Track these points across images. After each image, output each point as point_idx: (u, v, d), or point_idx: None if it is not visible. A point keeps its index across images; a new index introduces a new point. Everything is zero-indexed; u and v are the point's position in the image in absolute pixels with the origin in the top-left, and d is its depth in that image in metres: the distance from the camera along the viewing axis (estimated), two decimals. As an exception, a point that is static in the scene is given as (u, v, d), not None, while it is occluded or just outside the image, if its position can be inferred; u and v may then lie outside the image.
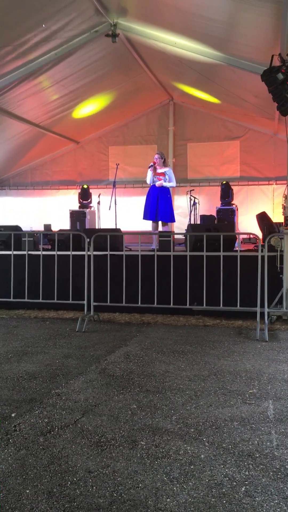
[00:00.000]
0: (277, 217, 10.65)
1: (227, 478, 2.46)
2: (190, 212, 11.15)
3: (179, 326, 6.45)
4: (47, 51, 8.17)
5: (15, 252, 7.28)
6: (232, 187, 11.77)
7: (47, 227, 11.66)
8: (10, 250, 7.27)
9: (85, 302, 6.55)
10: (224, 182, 11.58)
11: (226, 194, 11.59)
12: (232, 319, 6.72)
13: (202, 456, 2.70)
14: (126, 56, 9.39)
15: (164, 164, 9.16)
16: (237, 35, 7.12)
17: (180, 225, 11.36)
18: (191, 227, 8.14)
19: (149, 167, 8.97)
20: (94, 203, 12.42)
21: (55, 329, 6.26)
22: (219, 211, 11.43)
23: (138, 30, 8.17)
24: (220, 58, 7.84)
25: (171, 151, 12.68)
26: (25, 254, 7.19)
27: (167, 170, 9.08)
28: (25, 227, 9.79)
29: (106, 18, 7.88)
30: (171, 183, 9.01)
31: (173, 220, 9.27)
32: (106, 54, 9.00)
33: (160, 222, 9.07)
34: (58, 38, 7.87)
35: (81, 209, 12.43)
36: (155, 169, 8.95)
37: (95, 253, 6.68)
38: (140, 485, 2.39)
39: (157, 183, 8.83)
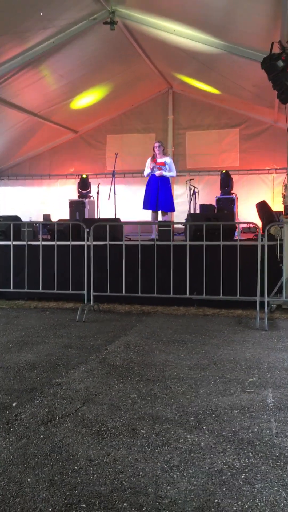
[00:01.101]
0: (277, 206, 10.62)
1: (227, 466, 2.47)
2: (190, 201, 11.12)
3: (179, 315, 6.47)
4: (45, 39, 8.09)
5: (14, 243, 7.27)
6: (232, 176, 11.72)
7: (47, 217, 11.65)
8: (10, 241, 7.26)
9: (85, 292, 6.55)
10: (223, 172, 11.53)
11: (226, 183, 11.55)
12: (231, 308, 6.73)
13: (202, 444, 2.72)
14: (124, 44, 9.30)
15: (164, 153, 9.12)
16: (236, 22, 7.05)
17: (179, 214, 11.32)
18: (191, 217, 8.12)
19: (152, 159, 8.89)
20: (93, 193, 12.38)
21: (55, 319, 6.27)
22: (218, 200, 11.40)
23: (136, 18, 8.10)
24: (220, 45, 7.79)
25: (170, 140, 12.61)
26: (24, 245, 7.18)
27: (167, 159, 9.04)
28: (25, 217, 9.77)
29: (104, 5, 7.79)
30: (171, 173, 8.98)
31: (173, 209, 9.26)
32: (105, 42, 8.91)
33: (160, 212, 9.05)
34: (55, 26, 7.78)
35: (80, 199, 12.39)
36: (155, 157, 8.91)
37: (94, 243, 6.67)
38: (141, 473, 2.41)
39: (157, 173, 8.79)
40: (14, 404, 3.32)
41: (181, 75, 10.69)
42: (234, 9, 6.63)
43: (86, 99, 11.42)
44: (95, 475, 2.39)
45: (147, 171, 8.92)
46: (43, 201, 13.55)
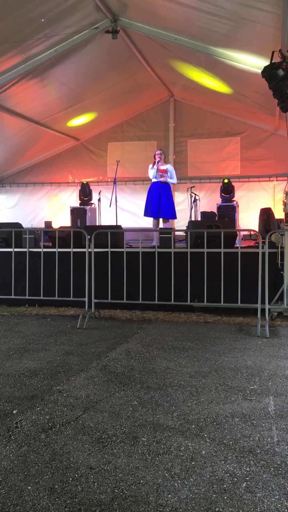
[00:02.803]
0: (277, 213, 10.64)
1: (228, 474, 2.46)
2: (191, 209, 11.15)
3: (180, 322, 6.46)
4: (47, 48, 8.15)
5: (16, 250, 7.29)
6: (233, 183, 11.74)
7: (48, 224, 11.67)
8: (11, 248, 7.27)
9: (86, 299, 6.55)
10: (226, 181, 11.51)
11: (227, 190, 11.58)
12: (233, 315, 6.73)
13: (203, 452, 2.71)
14: (126, 53, 9.36)
15: (165, 161, 9.16)
16: (237, 31, 7.10)
17: (180, 222, 11.34)
18: (192, 224, 8.13)
19: (154, 164, 8.92)
20: (94, 200, 12.41)
21: (56, 326, 6.27)
22: (219, 207, 11.42)
23: (138, 27, 8.15)
24: (221, 54, 7.83)
25: (171, 148, 12.66)
26: (26, 252, 7.19)
27: (169, 166, 9.08)
28: (26, 224, 9.79)
29: (106, 15, 7.85)
30: (172, 180, 9.02)
31: (175, 217, 9.26)
32: (107, 51, 8.97)
33: (161, 219, 9.07)
34: (57, 35, 7.84)
35: (81, 206, 12.41)
36: (158, 165, 8.94)
37: (95, 250, 6.68)
38: (142, 481, 2.40)
39: (161, 179, 8.82)
40: (14, 412, 3.31)
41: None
42: (235, 18, 6.68)
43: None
44: (95, 483, 2.38)
45: (151, 173, 8.93)
46: (45, 208, 13.58)
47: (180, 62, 9.31)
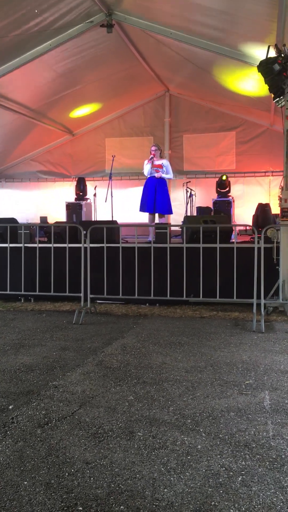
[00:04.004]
0: (273, 208, 10.65)
1: (223, 468, 2.47)
2: (187, 204, 11.14)
3: (176, 317, 6.47)
4: (42, 42, 8.09)
5: (11, 245, 7.26)
6: (229, 178, 11.74)
7: (43, 219, 11.64)
8: (6, 243, 7.25)
9: (81, 294, 6.54)
10: (224, 179, 11.46)
11: (223, 185, 11.58)
12: (228, 310, 6.75)
13: (199, 446, 2.72)
14: (121, 47, 9.31)
15: (161, 156, 9.14)
16: (233, 25, 7.08)
17: (176, 217, 11.34)
18: (188, 219, 8.13)
19: (149, 160, 8.91)
20: (90, 195, 12.38)
21: (52, 321, 6.27)
22: (215, 202, 11.42)
23: (133, 21, 8.11)
24: (216, 48, 7.80)
25: (167, 143, 12.64)
26: (21, 247, 7.17)
27: (164, 161, 9.06)
28: (21, 219, 9.76)
29: (101, 8, 7.80)
30: (168, 175, 9.00)
31: (170, 212, 9.26)
32: (102, 45, 8.92)
33: (157, 214, 9.06)
34: (53, 28, 7.79)
35: (77, 201, 12.39)
36: (152, 161, 8.92)
37: (91, 245, 6.67)
38: (138, 475, 2.41)
39: (157, 175, 8.80)
40: (10, 407, 3.31)
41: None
42: (231, 12, 6.66)
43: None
44: (92, 478, 2.39)
45: (146, 170, 8.91)
46: (40, 203, 13.54)
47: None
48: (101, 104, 11.97)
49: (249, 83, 8.84)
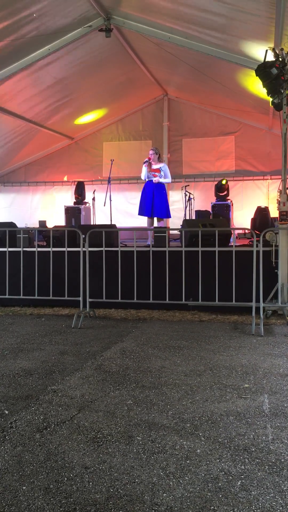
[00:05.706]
0: (272, 212, 10.67)
1: (223, 473, 2.47)
2: (185, 207, 11.15)
3: (175, 321, 6.46)
4: (40, 46, 8.12)
5: (10, 249, 7.26)
6: (228, 182, 11.76)
7: (42, 223, 11.64)
8: (5, 247, 7.25)
9: (80, 298, 6.54)
10: (224, 183, 11.45)
11: (221, 189, 11.59)
12: (227, 314, 6.74)
13: (198, 450, 2.71)
14: (120, 51, 9.35)
15: (159, 159, 9.16)
16: (232, 29, 7.11)
17: (175, 220, 11.37)
18: (186, 223, 8.15)
19: (144, 163, 8.95)
20: (89, 199, 12.39)
21: (51, 325, 6.26)
22: (214, 206, 11.43)
23: (132, 25, 8.15)
24: (215, 52, 7.83)
25: (165, 147, 12.67)
26: (20, 251, 7.17)
27: (162, 166, 9.08)
28: (20, 223, 9.76)
29: (99, 13, 7.83)
30: (166, 179, 9.01)
31: (169, 216, 9.27)
32: (100, 49, 8.95)
33: (155, 218, 9.07)
34: (51, 33, 7.82)
35: (76, 205, 12.39)
36: (150, 165, 8.94)
37: (90, 249, 6.67)
38: (137, 480, 2.40)
39: (154, 180, 8.81)
40: (7, 412, 3.30)
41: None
42: (230, 16, 6.69)
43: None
44: (90, 483, 2.38)
45: (143, 173, 8.93)
46: (39, 207, 13.55)
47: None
48: (106, 110, 12.01)
49: (248, 84, 8.86)
